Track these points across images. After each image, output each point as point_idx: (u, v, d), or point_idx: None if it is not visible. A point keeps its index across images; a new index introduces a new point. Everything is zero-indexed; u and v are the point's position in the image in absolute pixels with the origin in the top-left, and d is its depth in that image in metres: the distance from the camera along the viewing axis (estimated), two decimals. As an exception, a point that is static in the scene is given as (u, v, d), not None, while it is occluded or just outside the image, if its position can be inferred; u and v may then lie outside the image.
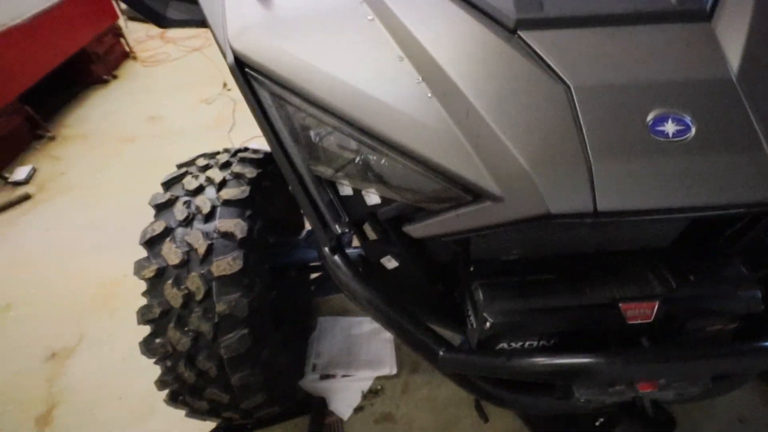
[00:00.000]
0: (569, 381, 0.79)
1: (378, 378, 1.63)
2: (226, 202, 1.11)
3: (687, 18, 0.72)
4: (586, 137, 0.63)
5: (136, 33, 5.17)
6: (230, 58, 0.77)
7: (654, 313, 0.76)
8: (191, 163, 1.29)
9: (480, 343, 0.81)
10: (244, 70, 0.78)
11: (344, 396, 1.59)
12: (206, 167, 1.25)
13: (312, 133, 0.77)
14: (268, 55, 0.75)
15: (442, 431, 1.48)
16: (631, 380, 0.79)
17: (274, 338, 1.20)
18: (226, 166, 1.24)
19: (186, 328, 1.02)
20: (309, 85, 0.71)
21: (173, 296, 1.01)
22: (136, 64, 4.62)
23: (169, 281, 1.01)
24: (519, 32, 0.72)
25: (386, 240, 0.83)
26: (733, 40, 0.69)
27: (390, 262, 0.87)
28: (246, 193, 1.13)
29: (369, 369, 1.65)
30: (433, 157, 0.66)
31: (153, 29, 5.23)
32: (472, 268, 0.83)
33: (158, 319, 1.02)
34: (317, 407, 1.52)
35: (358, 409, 1.55)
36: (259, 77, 0.77)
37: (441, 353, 0.79)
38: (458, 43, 0.73)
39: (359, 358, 1.70)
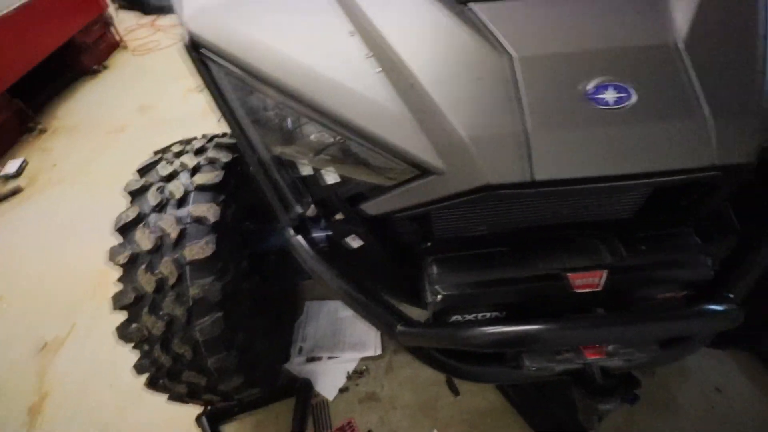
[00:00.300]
0: (517, 349, 0.81)
1: (363, 359, 1.66)
2: (200, 187, 1.11)
3: None
4: (525, 108, 0.62)
5: (127, 22, 5.11)
6: (185, 38, 0.77)
7: (602, 282, 0.77)
8: (167, 149, 1.29)
9: (435, 315, 0.82)
10: (199, 51, 0.77)
11: (330, 377, 1.62)
12: (181, 153, 1.25)
13: (269, 113, 0.77)
14: (223, 35, 0.74)
15: (423, 408, 1.51)
16: (578, 348, 0.80)
17: (252, 322, 1.22)
18: (200, 151, 1.24)
19: (160, 313, 1.03)
20: (261, 64, 0.70)
21: (147, 281, 1.02)
22: (126, 54, 4.58)
23: (143, 266, 1.02)
24: (468, 4, 0.72)
25: (349, 219, 0.84)
26: (684, 5, 0.68)
27: (354, 241, 0.87)
28: (219, 178, 1.13)
29: (354, 351, 1.68)
30: (378, 133, 0.66)
31: (144, 18, 5.18)
32: (429, 244, 0.84)
33: (132, 304, 1.04)
34: (303, 389, 1.54)
35: (344, 390, 1.58)
36: (215, 58, 0.76)
37: (399, 327, 0.80)
38: (407, 17, 0.72)
39: (344, 340, 1.72)
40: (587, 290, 0.77)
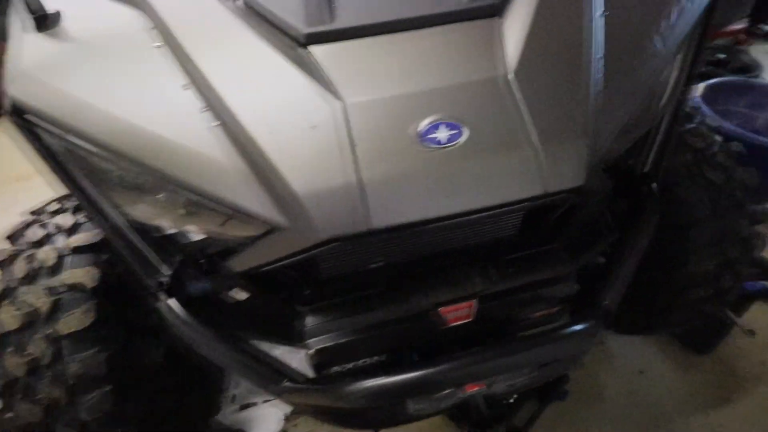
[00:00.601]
0: (398, 400, 0.81)
1: (299, 398, 1.59)
2: (77, 250, 1.02)
3: (477, 16, 0.73)
4: (359, 155, 0.61)
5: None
6: (7, 105, 0.69)
7: (474, 312, 0.78)
8: (42, 209, 1.18)
9: (315, 369, 0.79)
10: (24, 118, 0.70)
11: (266, 423, 1.54)
12: (57, 212, 1.14)
13: (111, 176, 0.71)
14: (48, 99, 0.67)
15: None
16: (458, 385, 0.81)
17: (161, 384, 1.13)
18: (79, 208, 1.14)
19: (37, 397, 0.92)
20: (89, 127, 0.64)
21: (16, 365, 0.91)
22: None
23: (10, 350, 0.91)
24: (309, 47, 0.70)
25: (224, 274, 0.79)
26: (515, 35, 0.70)
27: (238, 294, 0.83)
28: (100, 236, 1.04)
29: (289, 390, 1.61)
30: (213, 191, 0.63)
31: None
32: (307, 292, 0.81)
33: (4, 392, 0.92)
34: (235, 441, 1.46)
35: (281, 434, 1.51)
36: (43, 124, 0.69)
37: (279, 385, 0.76)
38: (242, 64, 0.69)
39: (278, 380, 1.65)
40: (461, 323, 0.77)
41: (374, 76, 0.68)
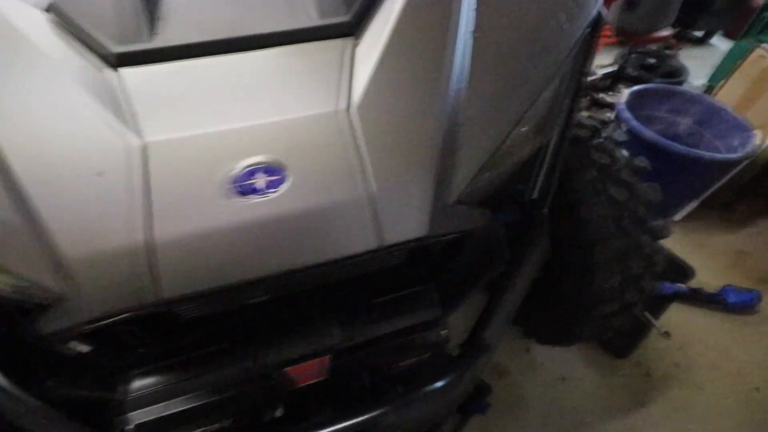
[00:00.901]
0: None
1: None
2: None
3: (327, 35, 0.65)
4: (153, 209, 0.52)
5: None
6: None
7: (327, 369, 0.71)
8: None
9: None
10: None
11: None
12: None
13: None
14: None
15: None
16: None
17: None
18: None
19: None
20: None
21: None
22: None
23: None
24: (119, 69, 0.59)
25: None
26: (368, 60, 0.62)
27: (81, 346, 0.72)
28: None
29: None
30: None
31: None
32: (127, 356, 0.69)
33: None
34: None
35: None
36: None
37: None
38: (25, 93, 0.56)
39: None
40: (313, 381, 0.70)
41: (190, 107, 0.58)
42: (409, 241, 0.58)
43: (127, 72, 0.59)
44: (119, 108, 0.56)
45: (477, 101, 0.64)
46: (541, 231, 0.91)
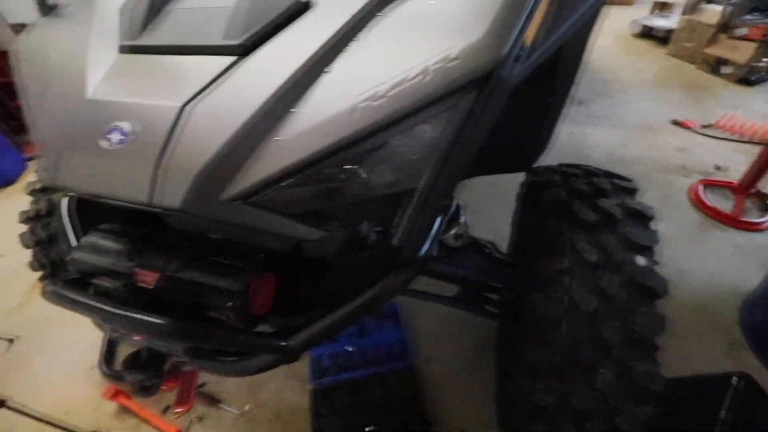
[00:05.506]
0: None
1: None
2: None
3: (222, 52, 0.84)
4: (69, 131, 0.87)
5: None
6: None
7: (155, 282, 0.90)
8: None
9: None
10: None
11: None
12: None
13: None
14: None
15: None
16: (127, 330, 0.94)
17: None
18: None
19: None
20: None
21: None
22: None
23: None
24: (118, 54, 0.94)
25: None
26: (232, 73, 0.81)
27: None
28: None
29: None
30: None
31: None
32: None
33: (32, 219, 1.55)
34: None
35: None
36: None
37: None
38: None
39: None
40: (145, 286, 0.91)
41: (119, 81, 0.89)
42: (165, 208, 0.76)
43: (123, 57, 0.93)
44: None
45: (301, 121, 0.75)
46: (391, 283, 0.93)
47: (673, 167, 2.83)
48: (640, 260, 0.97)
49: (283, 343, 0.94)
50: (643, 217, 1.05)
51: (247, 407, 1.74)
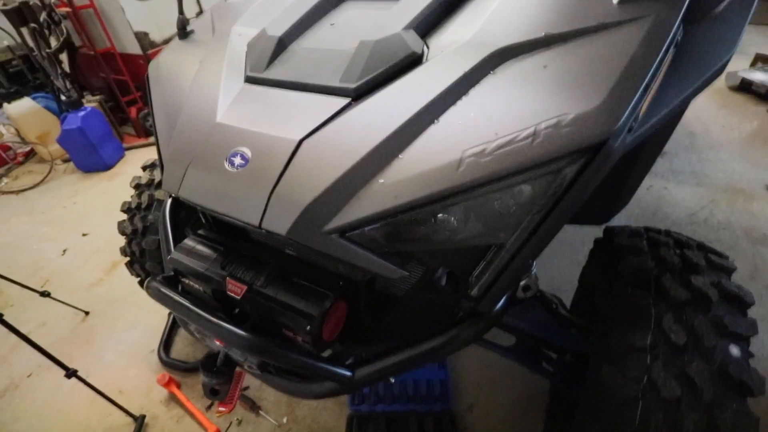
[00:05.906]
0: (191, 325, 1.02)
1: None
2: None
3: (338, 93, 0.91)
4: (197, 151, 0.97)
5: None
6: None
7: (242, 294, 0.97)
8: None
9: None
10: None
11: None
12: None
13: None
14: None
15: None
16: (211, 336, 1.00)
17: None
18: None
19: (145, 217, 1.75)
20: None
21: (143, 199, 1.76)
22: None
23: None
24: (245, 84, 1.04)
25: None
26: (345, 115, 0.87)
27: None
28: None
29: None
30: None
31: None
32: None
33: (132, 210, 1.78)
34: None
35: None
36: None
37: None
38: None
39: None
40: (233, 296, 0.98)
41: (245, 110, 0.99)
42: (271, 232, 0.82)
43: (248, 87, 1.04)
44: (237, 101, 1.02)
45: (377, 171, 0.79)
46: (465, 333, 0.96)
47: (766, 239, 2.59)
48: (734, 350, 0.88)
49: (348, 374, 0.97)
50: (741, 303, 0.96)
51: (285, 420, 1.79)
